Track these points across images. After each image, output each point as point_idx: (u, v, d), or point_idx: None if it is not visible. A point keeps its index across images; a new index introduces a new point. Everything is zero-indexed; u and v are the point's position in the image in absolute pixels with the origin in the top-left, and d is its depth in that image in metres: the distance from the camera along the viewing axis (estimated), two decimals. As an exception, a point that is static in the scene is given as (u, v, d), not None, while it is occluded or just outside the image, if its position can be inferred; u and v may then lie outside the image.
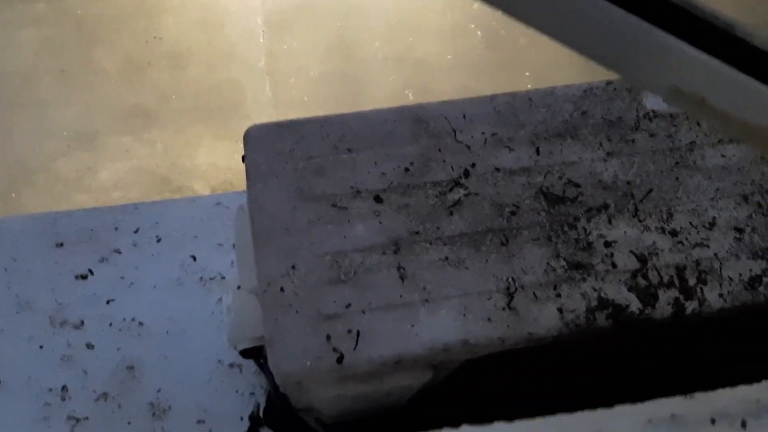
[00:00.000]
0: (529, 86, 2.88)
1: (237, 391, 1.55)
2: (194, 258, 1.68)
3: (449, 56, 3.33)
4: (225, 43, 3.28)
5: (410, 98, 3.17)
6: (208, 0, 3.38)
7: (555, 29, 0.47)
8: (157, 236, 1.71)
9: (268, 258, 1.14)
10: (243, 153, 1.23)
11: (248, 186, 1.20)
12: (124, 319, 1.62)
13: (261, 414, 1.51)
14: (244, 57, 3.26)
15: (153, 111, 3.08)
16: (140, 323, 1.61)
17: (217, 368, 1.57)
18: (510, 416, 0.99)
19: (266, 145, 1.22)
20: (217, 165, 2.99)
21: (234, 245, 1.35)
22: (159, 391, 1.54)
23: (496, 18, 3.38)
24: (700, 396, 0.97)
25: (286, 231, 1.15)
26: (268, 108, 3.15)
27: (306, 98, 3.19)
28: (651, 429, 0.94)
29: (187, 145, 3.03)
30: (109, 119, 3.04)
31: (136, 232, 1.72)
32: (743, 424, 0.95)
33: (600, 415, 0.97)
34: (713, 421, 0.95)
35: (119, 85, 3.13)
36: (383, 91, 3.21)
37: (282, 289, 1.11)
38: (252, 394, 1.55)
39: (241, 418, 1.52)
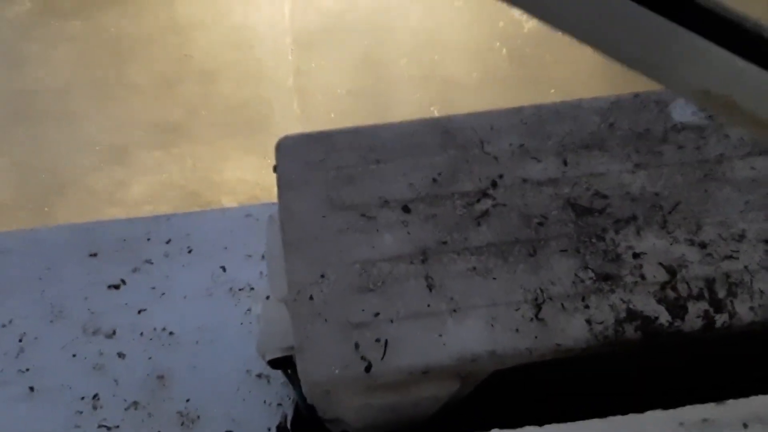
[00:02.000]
0: (556, 103, 2.88)
1: (265, 402, 1.56)
2: (224, 269, 1.70)
3: (475, 74, 3.35)
4: (254, 62, 3.34)
5: (436, 116, 3.19)
6: (238, 20, 3.44)
7: (583, 31, 0.48)
8: (188, 247, 1.73)
9: (297, 266, 1.15)
10: (274, 163, 1.25)
11: (279, 195, 1.21)
12: (155, 329, 1.64)
13: (288, 425, 1.52)
14: (272, 75, 3.31)
15: (183, 127, 3.13)
16: (171, 333, 1.63)
17: (245, 378, 1.58)
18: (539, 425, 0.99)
19: (297, 156, 1.24)
20: (245, 180, 3.03)
21: (264, 255, 1.37)
22: (188, 400, 1.55)
23: (522, 36, 3.40)
24: (732, 402, 0.96)
25: (316, 240, 1.17)
26: (296, 124, 3.19)
27: (333, 115, 3.23)
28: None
29: (216, 160, 3.08)
30: (140, 134, 3.10)
31: (167, 242, 1.74)
32: None
33: (631, 419, 0.97)
34: (745, 426, 0.94)
35: (151, 100, 3.19)
36: (409, 108, 3.24)
37: (311, 297, 1.13)
38: (279, 405, 1.56)
39: (269, 429, 1.52)
